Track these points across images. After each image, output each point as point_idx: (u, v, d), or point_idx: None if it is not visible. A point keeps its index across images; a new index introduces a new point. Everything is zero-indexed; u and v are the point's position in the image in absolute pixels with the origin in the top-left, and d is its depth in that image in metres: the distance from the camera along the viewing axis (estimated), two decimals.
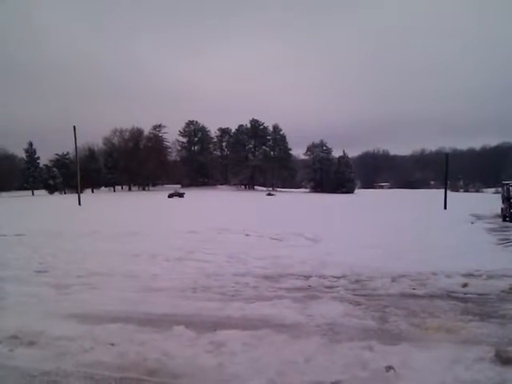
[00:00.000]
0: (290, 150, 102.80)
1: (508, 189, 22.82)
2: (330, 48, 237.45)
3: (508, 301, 6.39)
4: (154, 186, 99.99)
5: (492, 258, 9.95)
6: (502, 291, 6.96)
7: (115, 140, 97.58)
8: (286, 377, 3.87)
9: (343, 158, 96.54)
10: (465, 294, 6.87)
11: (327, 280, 8.01)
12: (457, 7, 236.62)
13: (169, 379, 3.91)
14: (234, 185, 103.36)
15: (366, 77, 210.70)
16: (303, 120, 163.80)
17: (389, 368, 3.87)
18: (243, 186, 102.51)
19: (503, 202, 23.45)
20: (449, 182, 39.81)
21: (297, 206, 39.78)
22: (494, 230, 17.55)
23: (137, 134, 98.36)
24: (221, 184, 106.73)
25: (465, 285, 7.32)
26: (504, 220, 21.87)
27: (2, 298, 6.71)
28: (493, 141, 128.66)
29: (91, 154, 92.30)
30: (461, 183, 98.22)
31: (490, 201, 37.75)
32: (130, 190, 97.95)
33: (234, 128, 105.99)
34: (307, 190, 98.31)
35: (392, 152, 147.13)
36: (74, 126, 41.49)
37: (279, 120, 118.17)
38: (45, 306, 6.29)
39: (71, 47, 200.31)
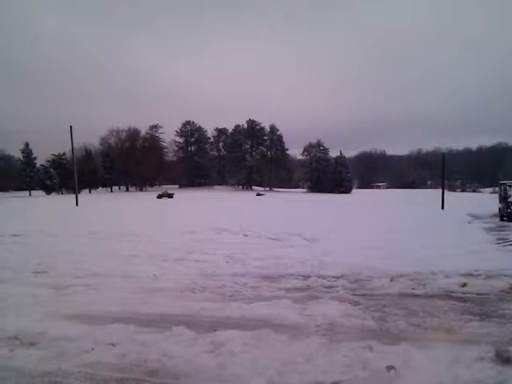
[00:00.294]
0: (287, 150, 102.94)
1: (505, 189, 22.90)
2: (327, 48, 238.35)
3: (507, 300, 6.40)
4: (151, 186, 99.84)
5: (491, 258, 9.97)
6: (501, 291, 6.98)
7: (112, 140, 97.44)
8: (285, 377, 3.87)
9: (340, 158, 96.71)
10: (464, 293, 6.88)
11: (326, 280, 8.01)
12: (457, 6, 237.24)
13: (169, 379, 3.91)
14: (232, 185, 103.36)
15: (364, 77, 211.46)
16: (300, 120, 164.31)
17: (390, 368, 3.88)
18: (241, 186, 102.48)
19: (500, 202, 23.53)
20: (446, 182, 39.86)
21: (291, 206, 39.77)
22: (491, 229, 17.60)
23: (133, 134, 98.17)
24: (218, 184, 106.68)
25: (464, 284, 7.34)
26: (501, 220, 21.94)
27: (1, 299, 6.69)
28: (489, 141, 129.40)
29: (88, 155, 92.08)
30: (458, 183, 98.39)
31: (487, 200, 37.87)
32: (127, 190, 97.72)
33: (230, 128, 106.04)
34: (304, 190, 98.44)
35: (389, 152, 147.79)
36: (71, 126, 41.47)
37: (276, 120, 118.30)
38: (44, 306, 6.28)
39: (68, 47, 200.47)
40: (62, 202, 49.16)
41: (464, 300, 6.49)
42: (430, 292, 6.99)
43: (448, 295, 6.79)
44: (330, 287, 7.48)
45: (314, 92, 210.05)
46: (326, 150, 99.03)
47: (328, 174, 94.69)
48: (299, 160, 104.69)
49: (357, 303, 6.34)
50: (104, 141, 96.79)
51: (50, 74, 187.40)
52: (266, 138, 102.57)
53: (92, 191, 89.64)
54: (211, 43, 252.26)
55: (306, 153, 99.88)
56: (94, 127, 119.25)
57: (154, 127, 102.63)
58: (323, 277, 8.25)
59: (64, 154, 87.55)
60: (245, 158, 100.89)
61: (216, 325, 5.33)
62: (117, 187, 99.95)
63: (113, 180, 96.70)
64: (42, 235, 15.42)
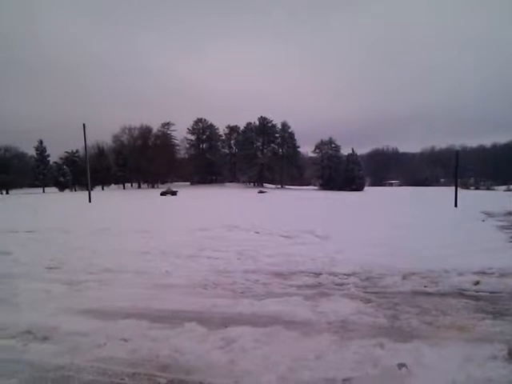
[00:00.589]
0: (299, 147, 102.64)
1: None
2: (339, 44, 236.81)
3: None
4: (162, 183, 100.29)
5: (504, 256, 9.84)
6: None
7: (124, 138, 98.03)
8: (296, 373, 3.88)
9: (352, 156, 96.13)
10: (477, 291, 6.82)
11: (337, 277, 7.98)
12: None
13: (181, 375, 3.94)
14: (243, 182, 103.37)
15: (376, 73, 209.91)
16: (312, 118, 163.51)
17: (401, 365, 3.86)
18: (252, 184, 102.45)
19: None
20: (459, 180, 39.47)
21: (299, 203, 39.68)
22: (505, 227, 17.37)
23: (145, 131, 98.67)
24: (229, 181, 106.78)
25: (477, 283, 7.26)
26: None
27: (15, 294, 6.78)
28: (503, 138, 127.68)
29: (101, 152, 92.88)
30: (471, 181, 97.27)
31: (501, 198, 37.42)
32: (139, 187, 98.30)
33: (242, 126, 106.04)
34: (316, 187, 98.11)
35: (401, 149, 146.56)
36: (84, 124, 41.82)
37: (287, 117, 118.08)
38: (57, 301, 6.35)
39: (80, 46, 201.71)
40: (74, 198, 49.63)
41: (477, 298, 6.43)
42: (442, 290, 6.93)
43: (461, 293, 6.73)
44: (341, 285, 7.45)
45: (325, 89, 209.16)
46: (337, 148, 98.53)
47: (340, 171, 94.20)
48: (311, 157, 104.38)
49: (368, 301, 6.31)
50: (116, 138, 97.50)
51: (63, 74, 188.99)
52: (277, 135, 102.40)
53: (104, 188, 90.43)
54: (220, 42, 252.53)
55: (317, 150, 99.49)
56: (107, 125, 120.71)
57: (166, 125, 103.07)
58: (334, 274, 8.22)
59: (77, 151, 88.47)
60: (256, 155, 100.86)
61: (227, 321, 5.35)
62: (129, 184, 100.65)
63: (125, 177, 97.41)
64: (55, 231, 15.57)
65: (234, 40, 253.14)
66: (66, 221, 19.95)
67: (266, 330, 4.93)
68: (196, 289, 7.21)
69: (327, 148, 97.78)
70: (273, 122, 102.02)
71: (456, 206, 32.24)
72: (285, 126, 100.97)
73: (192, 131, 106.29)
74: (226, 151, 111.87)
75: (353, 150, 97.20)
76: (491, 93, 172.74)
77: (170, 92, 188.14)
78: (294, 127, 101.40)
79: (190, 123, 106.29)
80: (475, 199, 42.11)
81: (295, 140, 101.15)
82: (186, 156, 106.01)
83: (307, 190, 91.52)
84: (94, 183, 71.88)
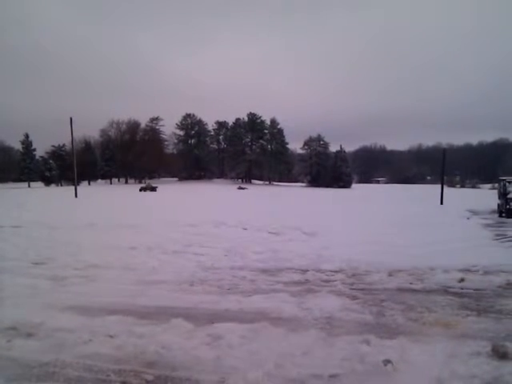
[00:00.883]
0: (287, 144, 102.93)
1: (504, 185, 22.90)
2: (328, 43, 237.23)
3: (504, 296, 6.42)
4: (150, 178, 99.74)
5: (489, 254, 9.97)
6: (499, 286, 7.00)
7: (112, 132, 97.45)
8: (283, 369, 3.88)
9: (340, 153, 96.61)
10: (461, 289, 6.90)
11: (324, 274, 8.03)
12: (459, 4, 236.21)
13: (167, 371, 3.92)
14: (231, 178, 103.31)
15: (365, 72, 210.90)
16: (300, 114, 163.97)
17: (387, 362, 3.89)
18: (240, 180, 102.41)
19: (499, 198, 23.55)
20: (445, 178, 39.83)
21: (282, 200, 39.78)
22: (490, 225, 17.62)
23: (133, 126, 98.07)
24: (217, 177, 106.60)
25: (462, 280, 7.35)
26: (500, 216, 21.96)
27: (0, 289, 6.70)
28: (489, 137, 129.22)
29: (87, 146, 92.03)
30: (457, 179, 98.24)
31: (486, 196, 37.86)
32: (126, 182, 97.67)
33: (231, 121, 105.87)
34: (304, 184, 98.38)
35: (389, 147, 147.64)
36: (71, 118, 41.27)
37: (276, 114, 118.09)
38: (43, 297, 6.30)
39: (68, 38, 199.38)
40: (61, 193, 49.10)
41: (461, 295, 6.51)
42: (427, 287, 7.01)
43: (446, 290, 6.81)
44: (328, 281, 7.49)
45: (314, 87, 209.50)
46: (326, 145, 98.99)
47: (328, 168, 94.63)
48: (299, 154, 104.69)
49: (355, 297, 6.35)
50: (104, 133, 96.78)
51: (50, 67, 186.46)
52: (266, 131, 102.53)
53: (91, 183, 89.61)
54: (211, 37, 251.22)
55: (305, 147, 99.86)
56: (94, 120, 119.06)
57: (155, 120, 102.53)
58: (321, 271, 8.27)
59: (64, 145, 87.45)
60: (244, 151, 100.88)
61: (214, 317, 5.34)
62: (116, 179, 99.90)
63: (112, 172, 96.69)
64: (41, 227, 15.41)
65: (224, 36, 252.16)
66: (52, 216, 19.74)
67: (252, 326, 4.93)
68: (183, 285, 7.19)
69: (316, 145, 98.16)
70: (262, 118, 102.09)
71: (442, 203, 32.59)
72: (274, 122, 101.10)
73: (181, 126, 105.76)
74: (215, 147, 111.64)
75: (341, 147, 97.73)
76: (479, 93, 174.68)
77: (159, 87, 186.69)
78: (282, 124, 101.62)
79: (178, 118, 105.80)
80: (461, 197, 42.60)
81: (284, 136, 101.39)
82: (175, 151, 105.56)
83: (295, 186, 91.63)
84: (81, 178, 71.21)
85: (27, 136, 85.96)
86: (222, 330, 4.78)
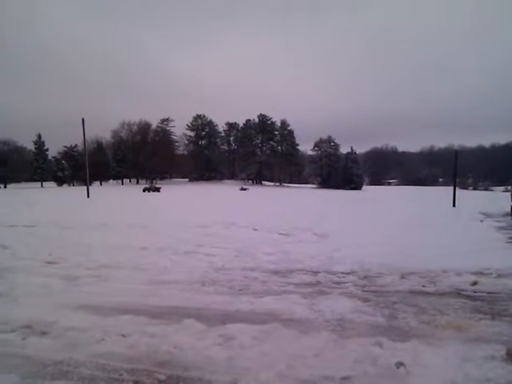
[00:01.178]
0: (298, 145, 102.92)
1: None
2: (340, 44, 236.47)
3: None
4: (161, 179, 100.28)
5: (502, 257, 9.85)
6: None
7: (123, 133, 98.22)
8: (295, 371, 3.88)
9: (351, 154, 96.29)
10: (475, 292, 6.83)
11: (336, 276, 7.98)
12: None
13: (179, 371, 3.94)
14: (242, 179, 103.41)
15: (376, 72, 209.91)
16: (311, 115, 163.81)
17: (399, 364, 3.87)
18: (250, 181, 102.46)
19: None
20: (458, 180, 39.43)
21: (295, 201, 39.71)
22: (503, 228, 17.39)
23: (144, 127, 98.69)
24: (228, 179, 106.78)
25: (475, 283, 7.27)
26: None
27: (14, 288, 6.78)
28: (502, 139, 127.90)
29: (99, 147, 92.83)
30: (470, 181, 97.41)
31: (499, 199, 37.43)
32: (137, 183, 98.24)
33: (241, 123, 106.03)
34: (314, 185, 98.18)
35: (400, 148, 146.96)
36: (83, 119, 41.64)
37: (287, 115, 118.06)
38: (56, 296, 6.36)
39: (79, 41, 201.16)
40: (73, 193, 49.58)
41: (474, 298, 6.43)
42: (440, 290, 6.94)
43: (458, 293, 6.74)
44: (339, 283, 7.46)
45: (325, 88, 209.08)
46: (336, 146, 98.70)
47: (338, 169, 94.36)
48: (310, 155, 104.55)
49: (366, 300, 6.31)
50: (115, 134, 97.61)
51: (63, 68, 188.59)
52: (276, 132, 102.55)
53: (103, 183, 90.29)
54: (221, 38, 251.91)
55: (316, 148, 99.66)
56: (106, 121, 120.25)
57: (165, 121, 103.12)
58: (333, 272, 8.23)
59: (76, 146, 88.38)
60: (255, 152, 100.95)
61: (226, 318, 5.35)
62: (127, 180, 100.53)
63: (124, 173, 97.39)
64: (54, 226, 15.57)
65: (234, 37, 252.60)
66: (65, 216, 19.93)
67: (264, 327, 4.93)
68: (194, 285, 7.21)
69: (326, 146, 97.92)
70: (272, 120, 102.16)
71: (454, 206, 32.27)
72: (284, 123, 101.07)
73: (191, 127, 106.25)
74: (225, 148, 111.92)
75: (352, 149, 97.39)
76: (491, 93, 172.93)
77: (170, 88, 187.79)
78: (293, 125, 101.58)
79: (189, 119, 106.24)
80: (473, 199, 42.17)
81: (294, 138, 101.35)
82: (185, 152, 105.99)
83: (305, 188, 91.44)
84: (93, 178, 71.86)
85: (40, 136, 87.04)
86: (233, 331, 4.79)
